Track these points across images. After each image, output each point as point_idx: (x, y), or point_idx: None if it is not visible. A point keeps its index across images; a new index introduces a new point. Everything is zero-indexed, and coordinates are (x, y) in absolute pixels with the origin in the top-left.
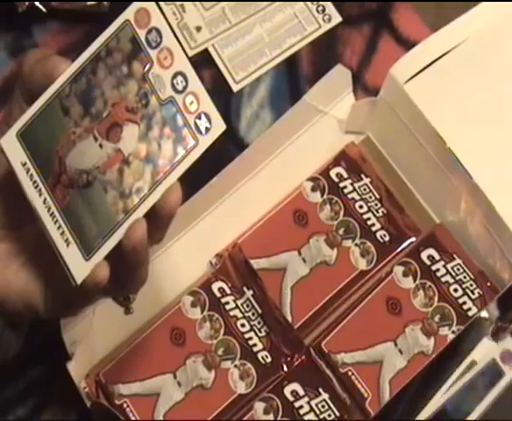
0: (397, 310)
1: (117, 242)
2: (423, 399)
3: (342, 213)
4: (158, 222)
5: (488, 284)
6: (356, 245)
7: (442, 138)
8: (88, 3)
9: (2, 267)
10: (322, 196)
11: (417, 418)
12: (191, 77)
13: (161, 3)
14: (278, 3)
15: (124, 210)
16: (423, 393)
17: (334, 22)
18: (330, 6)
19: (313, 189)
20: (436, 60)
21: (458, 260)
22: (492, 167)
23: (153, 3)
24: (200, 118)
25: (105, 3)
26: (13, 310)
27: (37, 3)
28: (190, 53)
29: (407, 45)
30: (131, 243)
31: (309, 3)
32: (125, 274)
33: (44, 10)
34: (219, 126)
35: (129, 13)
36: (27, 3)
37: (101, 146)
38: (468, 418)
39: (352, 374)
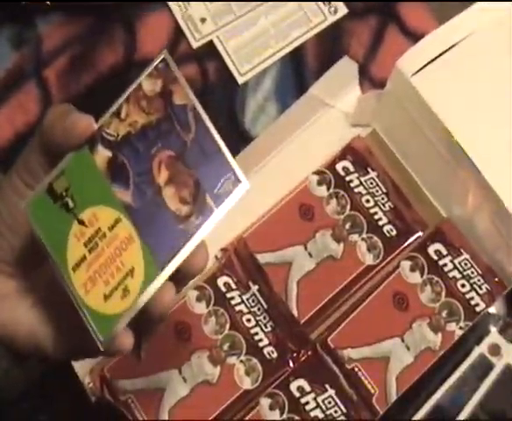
0: (404, 305)
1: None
2: (422, 393)
3: (348, 207)
4: (181, 281)
5: (496, 280)
6: (363, 239)
7: (449, 131)
8: None
9: (12, 304)
10: (328, 189)
11: (419, 411)
12: None
13: None
14: None
15: None
16: (424, 387)
17: (340, 14)
18: None
19: (319, 183)
20: (443, 52)
21: (465, 255)
22: (500, 161)
23: None
24: None
25: None
26: (23, 349)
27: None
28: (195, 45)
29: (413, 37)
30: (159, 308)
31: None
32: (145, 330)
33: (48, 1)
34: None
35: None
36: None
37: None
38: (462, 414)
39: (359, 369)
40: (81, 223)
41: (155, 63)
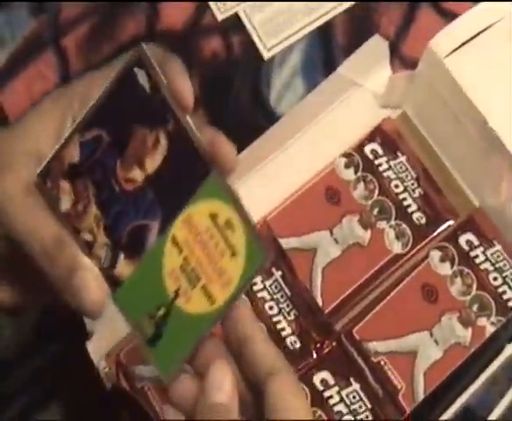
0: (433, 297)
1: None
2: (449, 391)
3: (377, 192)
4: None
5: None
6: (391, 226)
7: (483, 116)
8: None
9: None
10: (356, 173)
11: (447, 411)
12: None
13: None
14: None
15: None
16: (452, 384)
17: None
18: None
19: (346, 166)
20: (479, 33)
21: (497, 247)
22: None
23: None
24: None
25: None
26: None
27: None
28: (219, 17)
29: (447, 15)
30: None
31: None
32: None
33: None
34: None
35: None
36: None
37: None
38: (492, 414)
39: (385, 363)
40: (176, 293)
41: None
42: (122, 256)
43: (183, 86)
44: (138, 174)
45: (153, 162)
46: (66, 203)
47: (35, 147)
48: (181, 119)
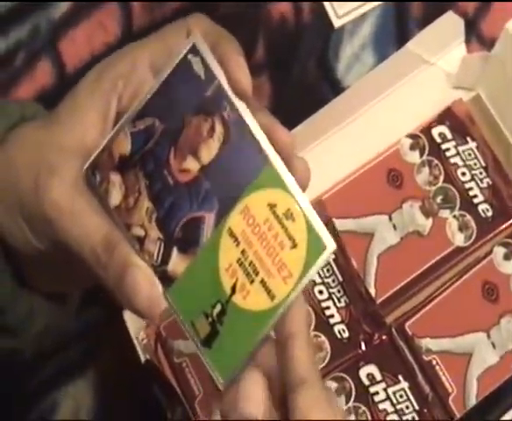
0: (494, 296)
1: None
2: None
3: (442, 179)
4: None
5: None
6: (454, 216)
7: None
8: None
9: None
10: (421, 156)
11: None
12: None
13: None
14: None
15: None
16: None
17: None
18: None
19: (412, 148)
20: None
21: None
22: None
23: None
24: None
25: None
26: None
27: None
28: None
29: None
30: None
31: None
32: None
33: None
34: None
35: None
36: None
37: None
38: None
39: (437, 363)
40: (233, 289)
41: None
42: (175, 251)
43: (240, 72)
44: (192, 165)
45: (209, 151)
46: (116, 197)
47: (80, 142)
48: (237, 106)
